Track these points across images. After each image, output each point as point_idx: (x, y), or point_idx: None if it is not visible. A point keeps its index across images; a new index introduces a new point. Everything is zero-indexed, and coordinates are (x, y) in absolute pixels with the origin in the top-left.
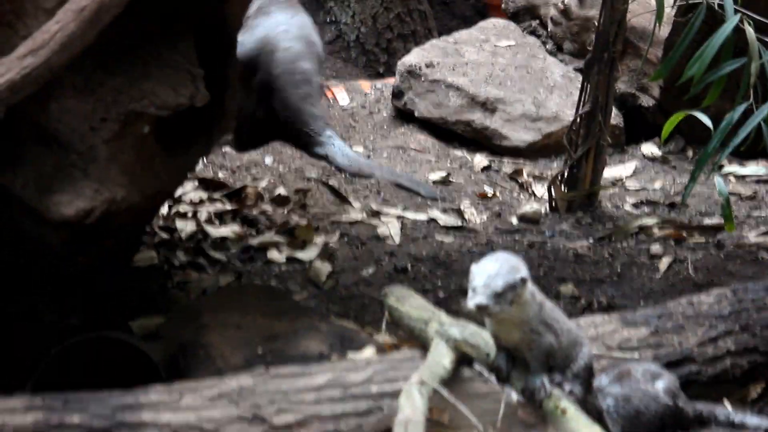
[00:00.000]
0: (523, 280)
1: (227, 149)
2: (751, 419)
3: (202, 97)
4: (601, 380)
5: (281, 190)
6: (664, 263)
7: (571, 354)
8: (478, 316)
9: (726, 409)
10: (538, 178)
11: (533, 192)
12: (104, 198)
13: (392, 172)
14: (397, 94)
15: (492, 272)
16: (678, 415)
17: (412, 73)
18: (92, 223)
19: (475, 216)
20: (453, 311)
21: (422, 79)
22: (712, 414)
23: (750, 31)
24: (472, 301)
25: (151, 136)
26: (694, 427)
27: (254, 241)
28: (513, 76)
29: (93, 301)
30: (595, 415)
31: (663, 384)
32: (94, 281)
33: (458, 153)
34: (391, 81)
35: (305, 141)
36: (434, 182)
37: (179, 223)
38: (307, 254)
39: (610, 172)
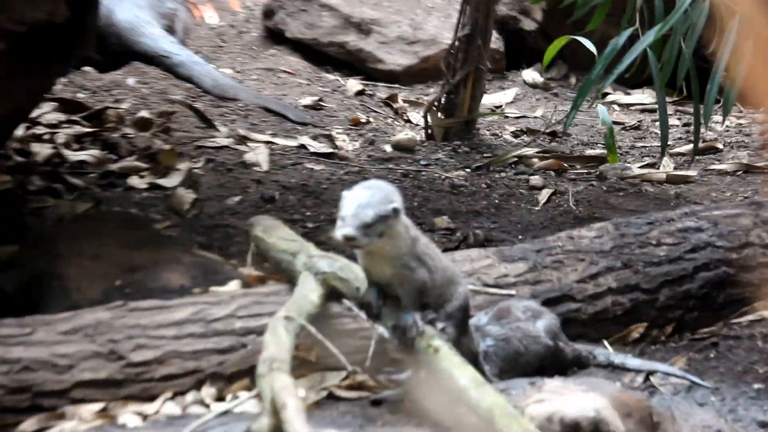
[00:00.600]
0: (396, 211)
1: (88, 69)
2: (632, 361)
3: (62, 13)
4: (480, 319)
5: (144, 113)
6: (543, 195)
7: (446, 292)
8: (346, 247)
9: (606, 350)
10: (414, 104)
11: (408, 119)
12: None
13: (261, 95)
14: (268, 13)
15: (363, 201)
16: (557, 356)
17: None
18: None
19: (347, 143)
20: (323, 243)
21: None
22: (591, 355)
23: None
24: (339, 231)
25: (6, 54)
26: (572, 368)
27: (114, 166)
28: None
29: None
30: (470, 358)
31: (544, 324)
32: None
33: (331, 77)
34: None
35: (161, 62)
36: (305, 107)
37: (35, 146)
38: (169, 181)
39: (489, 99)
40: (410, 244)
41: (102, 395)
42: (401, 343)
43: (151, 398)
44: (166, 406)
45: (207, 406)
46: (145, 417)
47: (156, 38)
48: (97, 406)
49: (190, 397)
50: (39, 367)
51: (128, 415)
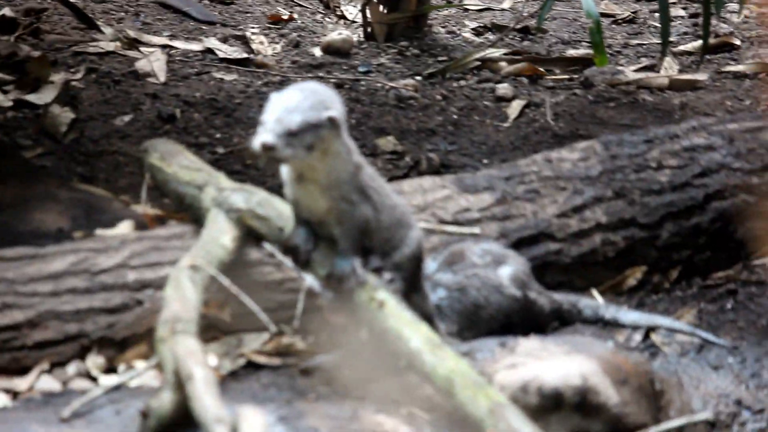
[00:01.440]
0: (332, 121)
1: None
2: (627, 314)
3: None
4: (428, 265)
5: (6, 11)
6: (514, 108)
7: (393, 237)
8: (263, 161)
9: (594, 301)
10: None
11: (342, 14)
12: None
13: None
14: None
15: (290, 105)
16: (528, 309)
17: None
18: None
19: (265, 46)
20: (236, 173)
21: None
22: (574, 307)
23: None
24: (256, 139)
25: None
26: (551, 323)
27: None
28: None
29: None
30: (423, 319)
31: (509, 270)
32: None
33: None
34: None
35: None
36: (210, 1)
37: None
38: (41, 97)
39: None
40: (352, 170)
41: None
42: (336, 296)
43: (23, 371)
44: (41, 381)
45: (94, 379)
46: (15, 394)
47: None
48: None
49: (72, 368)
50: None
51: None
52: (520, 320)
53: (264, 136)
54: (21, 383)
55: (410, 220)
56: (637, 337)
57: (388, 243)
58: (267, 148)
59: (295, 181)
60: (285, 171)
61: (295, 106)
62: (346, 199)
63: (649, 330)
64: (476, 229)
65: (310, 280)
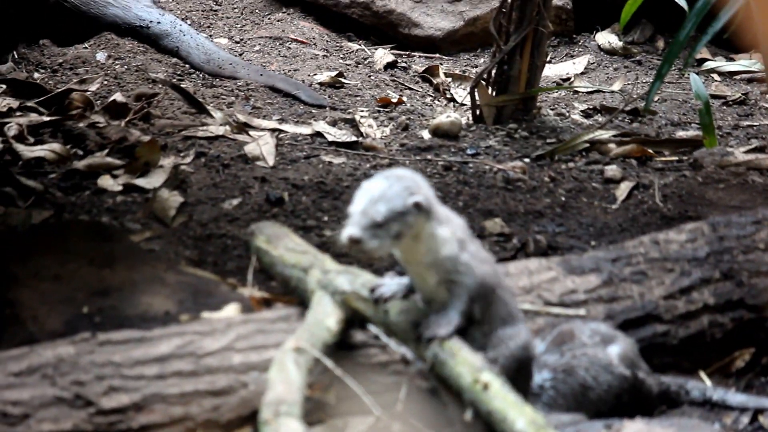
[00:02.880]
0: (418, 206)
1: (45, 41)
2: (735, 397)
3: None
4: (536, 346)
5: (118, 96)
6: (622, 190)
7: (499, 321)
8: (352, 252)
9: (701, 384)
10: (459, 79)
11: (452, 97)
12: None
13: (265, 71)
14: None
15: (375, 194)
16: (638, 390)
17: None
18: None
19: (374, 129)
20: (342, 256)
21: None
22: (682, 389)
23: None
24: (344, 233)
25: None
26: (659, 405)
27: (80, 164)
28: None
29: None
30: None
31: (617, 349)
32: None
33: (354, 46)
34: None
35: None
36: (321, 84)
37: None
38: (150, 181)
39: (553, 70)
40: (455, 248)
41: None
42: (425, 365)
43: None
44: None
45: None
46: None
47: (128, 3)
48: None
49: None
50: None
51: None
52: (628, 401)
53: (350, 229)
54: None
55: (519, 313)
56: (745, 419)
57: (492, 324)
58: (354, 242)
59: (404, 263)
60: (396, 252)
61: (379, 195)
62: (455, 272)
63: (758, 412)
64: (582, 311)
65: (403, 349)
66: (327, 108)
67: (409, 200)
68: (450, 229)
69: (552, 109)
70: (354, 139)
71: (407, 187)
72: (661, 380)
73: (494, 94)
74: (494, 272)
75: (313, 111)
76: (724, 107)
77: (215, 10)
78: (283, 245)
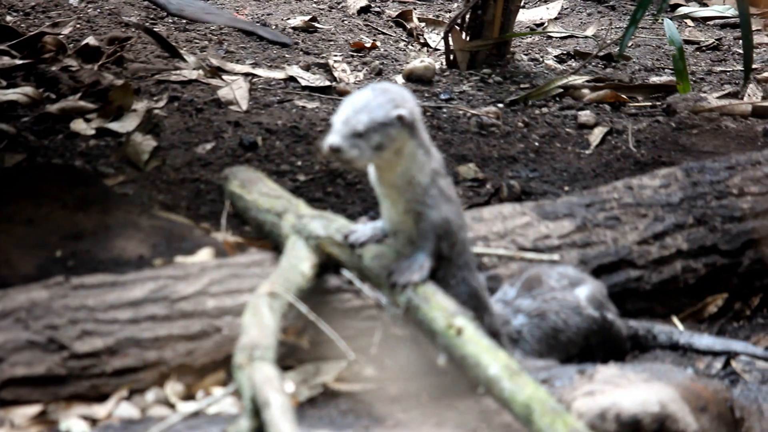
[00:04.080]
0: (402, 119)
1: None
2: (702, 340)
3: None
4: (506, 292)
5: (90, 40)
6: (596, 135)
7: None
8: (332, 160)
9: (668, 327)
10: (433, 23)
11: (425, 42)
12: None
13: (234, 18)
14: None
15: (358, 105)
16: (607, 331)
17: None
18: None
19: (347, 74)
20: (316, 201)
21: None
22: (650, 333)
23: None
24: (324, 141)
25: None
26: (628, 348)
27: (53, 108)
28: None
29: None
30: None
31: (585, 291)
32: None
33: None
34: None
35: None
36: (294, 29)
37: None
38: (123, 125)
39: (526, 15)
40: (429, 174)
41: (39, 395)
42: (400, 310)
43: (102, 398)
44: (120, 408)
45: (172, 406)
46: (94, 421)
47: None
48: (33, 409)
49: (150, 395)
50: None
51: (73, 419)
52: (598, 343)
53: (331, 138)
54: (100, 410)
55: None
56: (718, 364)
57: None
58: (334, 150)
59: (376, 183)
60: (371, 172)
61: (362, 105)
62: (422, 202)
63: (729, 357)
64: (556, 256)
65: (377, 294)
66: (296, 49)
67: (392, 112)
68: (429, 156)
69: (526, 54)
70: (327, 83)
71: (392, 99)
72: (629, 324)
73: (468, 39)
74: (458, 213)
75: (287, 56)
76: (698, 53)
77: None
78: (257, 190)
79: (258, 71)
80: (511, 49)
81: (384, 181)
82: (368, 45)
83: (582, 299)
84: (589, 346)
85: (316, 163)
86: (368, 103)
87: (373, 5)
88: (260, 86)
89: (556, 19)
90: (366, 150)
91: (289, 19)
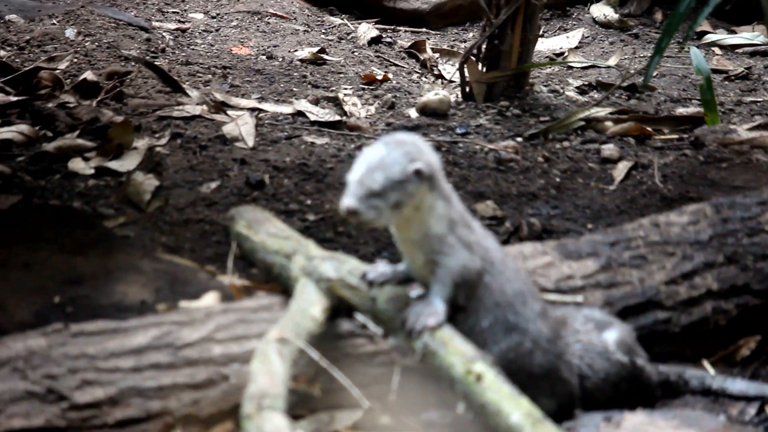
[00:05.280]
0: (419, 173)
1: (13, 17)
2: (734, 384)
3: None
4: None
5: (89, 75)
6: (619, 170)
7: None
8: (351, 222)
9: (700, 372)
10: (447, 54)
11: (440, 74)
12: None
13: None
14: None
15: (373, 162)
16: (637, 378)
17: None
18: None
19: (358, 108)
20: (326, 241)
21: None
22: (681, 378)
23: None
24: (341, 202)
25: None
26: (658, 394)
27: (50, 146)
28: None
29: None
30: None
31: (614, 335)
32: None
33: (336, 20)
34: None
35: None
36: (302, 61)
37: None
38: (124, 164)
39: (546, 45)
40: (447, 223)
41: None
42: (409, 351)
43: None
44: None
45: None
46: None
47: None
48: None
49: None
50: None
51: None
52: (627, 390)
53: (347, 200)
54: None
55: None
56: (752, 410)
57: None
58: (350, 213)
59: (396, 235)
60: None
61: (377, 163)
62: (439, 251)
63: (765, 402)
64: (579, 298)
65: (380, 331)
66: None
67: (409, 167)
68: (449, 206)
69: (545, 86)
70: (337, 118)
71: (407, 153)
72: (659, 369)
73: (484, 70)
74: (484, 258)
75: (295, 89)
76: (726, 82)
77: None
78: (265, 230)
79: (264, 106)
80: (530, 80)
81: (403, 237)
82: (380, 77)
83: (610, 344)
84: (617, 393)
85: (326, 201)
86: (383, 159)
87: (384, 36)
88: (267, 121)
89: (576, 48)
90: (384, 210)
91: (296, 50)
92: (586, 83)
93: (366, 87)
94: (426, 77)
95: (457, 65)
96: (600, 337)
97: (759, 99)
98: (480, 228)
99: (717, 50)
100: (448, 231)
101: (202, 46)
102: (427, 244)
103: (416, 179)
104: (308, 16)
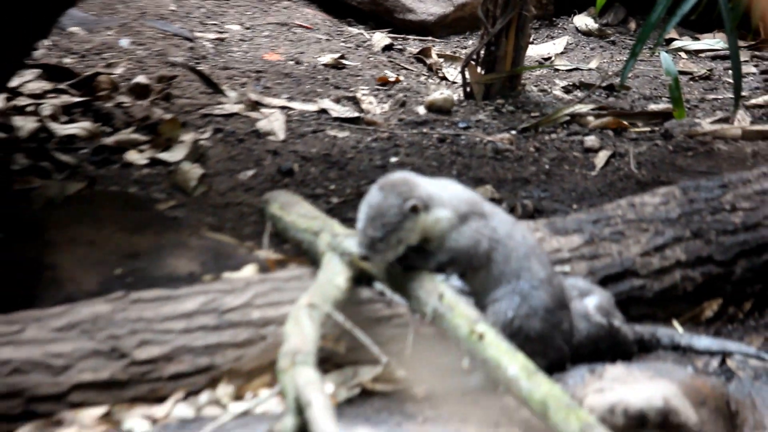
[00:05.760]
0: (415, 209)
1: (76, 29)
2: (701, 341)
3: None
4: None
5: (141, 78)
6: (600, 158)
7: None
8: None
9: (670, 330)
10: (450, 59)
11: (444, 76)
12: None
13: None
14: None
15: (372, 211)
16: (614, 337)
17: None
18: None
19: (374, 105)
20: (348, 220)
21: None
22: (653, 336)
23: None
24: (355, 250)
25: None
26: (635, 350)
27: (109, 140)
28: None
29: None
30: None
31: (594, 301)
32: None
33: (354, 30)
34: None
35: None
36: (325, 65)
37: (18, 120)
38: (172, 155)
39: (536, 50)
40: (446, 225)
41: (104, 398)
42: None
43: (160, 399)
44: (177, 408)
45: (223, 406)
46: (154, 421)
47: None
48: (99, 411)
49: (204, 397)
50: (31, 368)
51: (135, 419)
52: (606, 347)
53: (358, 250)
54: (159, 411)
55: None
56: (714, 363)
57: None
58: (363, 259)
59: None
60: None
61: (376, 212)
62: (443, 237)
63: (725, 356)
64: (567, 268)
65: (396, 298)
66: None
67: (405, 207)
68: (447, 207)
69: (535, 86)
70: (356, 114)
71: (400, 194)
72: (634, 328)
73: (483, 72)
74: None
75: (319, 90)
76: (691, 82)
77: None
78: (295, 212)
79: (293, 104)
80: (522, 81)
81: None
82: (392, 79)
83: (591, 308)
84: (598, 349)
85: (347, 186)
86: (380, 206)
87: (395, 44)
88: (295, 118)
89: (562, 53)
90: (390, 250)
91: (319, 56)
92: (571, 83)
93: (380, 88)
94: (432, 79)
95: (459, 68)
96: (582, 303)
97: (719, 96)
98: (491, 207)
99: (683, 55)
100: (458, 224)
101: (238, 53)
102: (434, 239)
103: (413, 215)
104: (329, 26)
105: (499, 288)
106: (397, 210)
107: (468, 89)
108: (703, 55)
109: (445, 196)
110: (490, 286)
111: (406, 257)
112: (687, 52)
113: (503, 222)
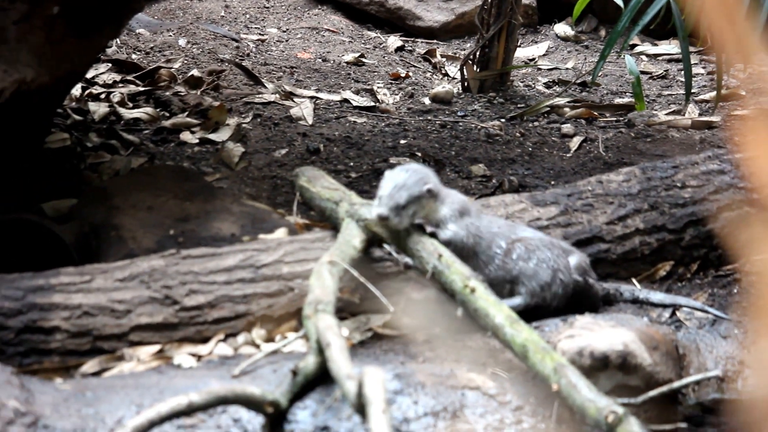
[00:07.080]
0: (430, 192)
1: (142, 30)
2: (655, 295)
3: None
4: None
5: (195, 72)
6: (574, 142)
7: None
8: (380, 226)
9: (631, 287)
10: (451, 59)
11: (446, 72)
12: (14, 79)
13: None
14: None
15: (399, 182)
16: (587, 292)
17: None
18: (2, 103)
19: (387, 97)
20: (365, 192)
21: None
22: (618, 291)
23: None
24: (374, 210)
25: (60, 17)
26: (600, 304)
27: (167, 123)
28: None
29: (4, 183)
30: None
31: (574, 260)
32: (5, 163)
33: (372, 34)
34: None
35: None
36: (347, 63)
37: (92, 105)
38: (219, 135)
39: (522, 52)
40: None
41: (158, 338)
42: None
43: (205, 340)
44: (218, 347)
45: (257, 346)
46: (199, 357)
47: None
48: (154, 348)
49: (241, 338)
50: (98, 312)
51: (183, 356)
52: (579, 301)
53: (380, 209)
54: (203, 349)
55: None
56: (666, 314)
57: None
58: (381, 218)
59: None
60: None
61: (402, 184)
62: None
63: (675, 309)
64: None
65: (406, 259)
66: (239, 41)
67: (424, 188)
68: (448, 206)
69: (521, 82)
70: (372, 104)
71: (422, 178)
72: (602, 285)
73: (478, 70)
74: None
75: (342, 83)
76: (651, 80)
77: (267, 7)
78: (320, 184)
79: (320, 95)
80: (511, 78)
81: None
82: (403, 75)
83: (570, 267)
84: (573, 302)
85: (364, 164)
86: (406, 181)
87: (406, 45)
88: (322, 106)
89: (544, 55)
90: (405, 218)
91: (343, 55)
92: (551, 80)
93: (393, 82)
94: (436, 75)
95: (458, 67)
96: (566, 260)
97: (674, 93)
98: (476, 210)
99: (644, 57)
100: (447, 220)
101: (276, 52)
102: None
103: (428, 195)
104: (352, 31)
105: (483, 262)
106: (419, 188)
107: (465, 84)
108: (660, 58)
109: (444, 196)
110: (480, 260)
111: (408, 231)
112: (647, 55)
113: (485, 219)
